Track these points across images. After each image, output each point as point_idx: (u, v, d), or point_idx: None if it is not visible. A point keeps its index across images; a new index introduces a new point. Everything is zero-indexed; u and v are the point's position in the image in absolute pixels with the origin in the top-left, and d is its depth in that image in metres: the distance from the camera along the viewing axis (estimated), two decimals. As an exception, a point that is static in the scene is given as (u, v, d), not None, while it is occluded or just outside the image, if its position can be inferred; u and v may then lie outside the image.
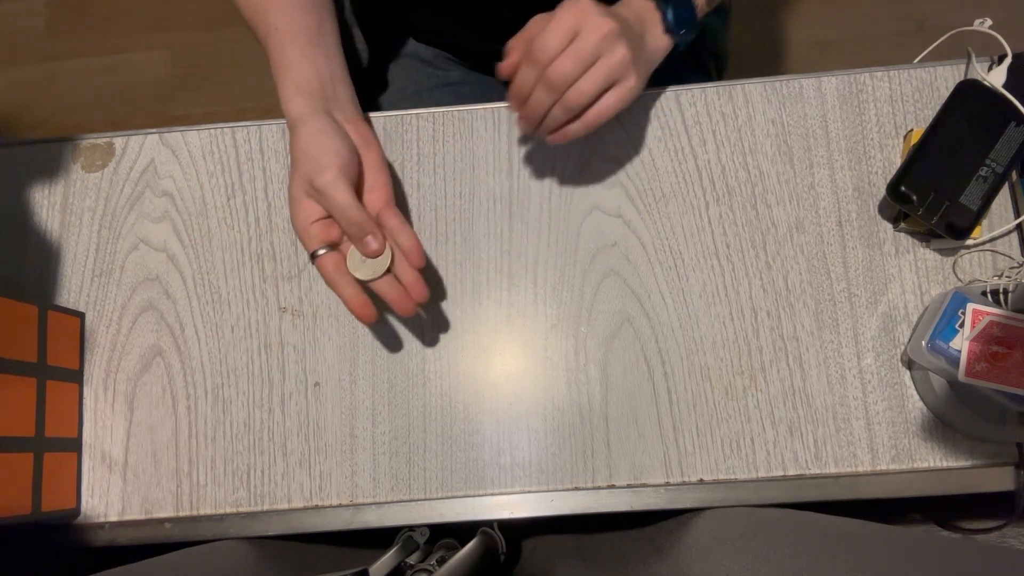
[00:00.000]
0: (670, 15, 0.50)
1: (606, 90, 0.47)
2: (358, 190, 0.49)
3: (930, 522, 0.56)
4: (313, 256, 0.47)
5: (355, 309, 0.47)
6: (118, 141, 0.60)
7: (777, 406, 0.53)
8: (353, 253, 0.48)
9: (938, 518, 0.56)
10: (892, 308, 0.54)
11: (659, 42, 0.51)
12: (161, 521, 0.53)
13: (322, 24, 0.52)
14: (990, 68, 0.55)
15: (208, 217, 0.58)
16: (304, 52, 0.50)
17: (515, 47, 0.48)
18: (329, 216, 0.48)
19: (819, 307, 0.54)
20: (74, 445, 0.54)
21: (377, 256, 0.47)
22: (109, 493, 0.54)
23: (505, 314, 0.56)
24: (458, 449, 0.54)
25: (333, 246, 0.48)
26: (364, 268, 0.48)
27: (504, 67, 0.49)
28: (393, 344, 0.55)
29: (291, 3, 0.52)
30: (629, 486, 0.52)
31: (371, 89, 0.75)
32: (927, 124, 0.54)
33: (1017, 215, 0.55)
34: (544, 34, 0.45)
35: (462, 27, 0.70)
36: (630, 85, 0.47)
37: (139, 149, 0.60)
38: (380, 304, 0.47)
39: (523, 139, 0.58)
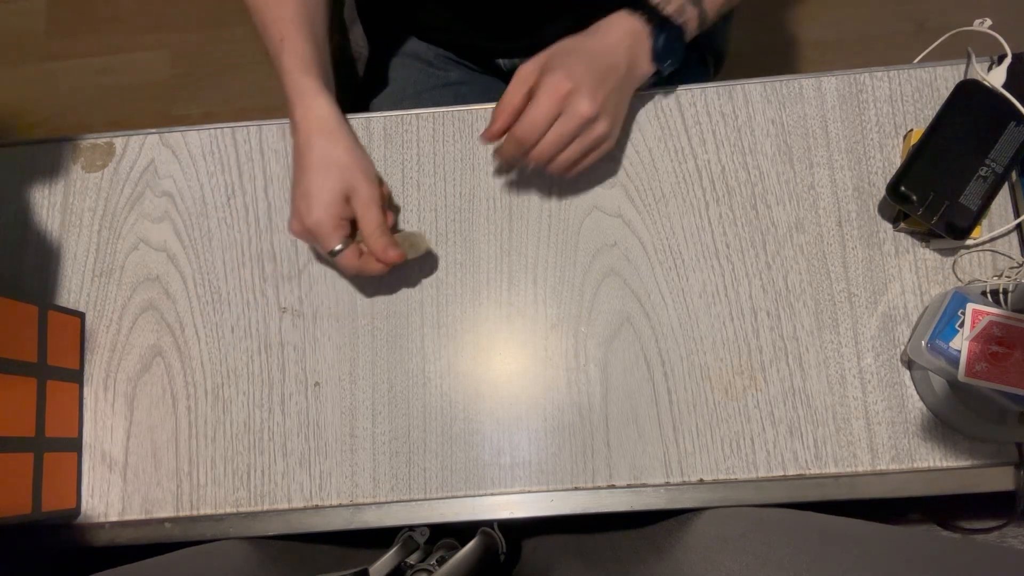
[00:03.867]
0: (660, 42, 0.51)
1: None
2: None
3: (930, 522, 0.56)
4: (333, 252, 0.50)
5: (389, 262, 0.50)
6: (118, 141, 0.60)
7: (777, 406, 0.53)
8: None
9: (938, 518, 0.56)
10: (892, 308, 0.54)
11: (643, 70, 0.52)
12: (161, 521, 0.53)
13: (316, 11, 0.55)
14: (990, 68, 0.55)
15: (208, 217, 0.58)
16: (304, 35, 0.52)
17: (500, 116, 0.50)
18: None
19: (819, 307, 0.54)
20: (74, 445, 0.54)
21: (380, 273, 0.51)
22: (109, 493, 0.54)
23: (505, 314, 0.56)
24: (458, 449, 0.54)
25: (346, 240, 0.50)
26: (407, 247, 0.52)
27: (489, 134, 0.51)
28: (393, 344, 0.55)
29: None
30: (629, 486, 0.52)
31: (370, 89, 0.74)
32: (927, 124, 0.54)
33: (1017, 215, 0.55)
34: (528, 118, 0.48)
35: (468, 24, 0.70)
36: (605, 148, 0.51)
37: (139, 149, 0.60)
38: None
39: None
